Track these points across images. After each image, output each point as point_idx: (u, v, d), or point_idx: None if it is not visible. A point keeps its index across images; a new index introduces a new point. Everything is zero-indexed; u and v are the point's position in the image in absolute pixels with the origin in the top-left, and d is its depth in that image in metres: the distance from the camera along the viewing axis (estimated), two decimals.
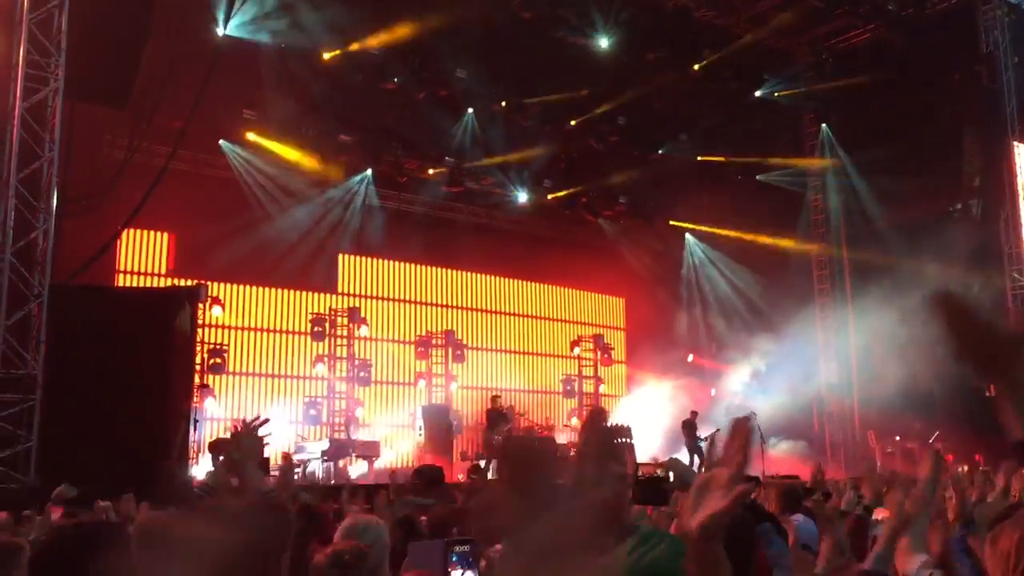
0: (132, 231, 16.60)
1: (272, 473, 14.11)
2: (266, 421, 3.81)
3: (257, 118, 17.48)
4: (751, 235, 22.83)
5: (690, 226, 23.55)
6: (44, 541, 2.54)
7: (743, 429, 1.83)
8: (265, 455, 3.83)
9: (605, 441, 2.45)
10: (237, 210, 17.14)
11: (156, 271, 17.56)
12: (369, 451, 17.11)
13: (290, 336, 19.01)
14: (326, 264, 18.97)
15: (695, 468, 17.25)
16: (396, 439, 19.04)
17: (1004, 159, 20.61)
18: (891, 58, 20.41)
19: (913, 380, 18.32)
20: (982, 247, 19.30)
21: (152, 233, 17.40)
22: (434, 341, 20.58)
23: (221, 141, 17.51)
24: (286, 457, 13.82)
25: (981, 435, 18.19)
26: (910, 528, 3.83)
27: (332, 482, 15.23)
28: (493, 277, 21.17)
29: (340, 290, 19.43)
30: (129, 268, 17.22)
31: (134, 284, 17.17)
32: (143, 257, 17.47)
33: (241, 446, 3.60)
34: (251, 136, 17.64)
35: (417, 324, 20.77)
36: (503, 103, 19.43)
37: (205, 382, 16.57)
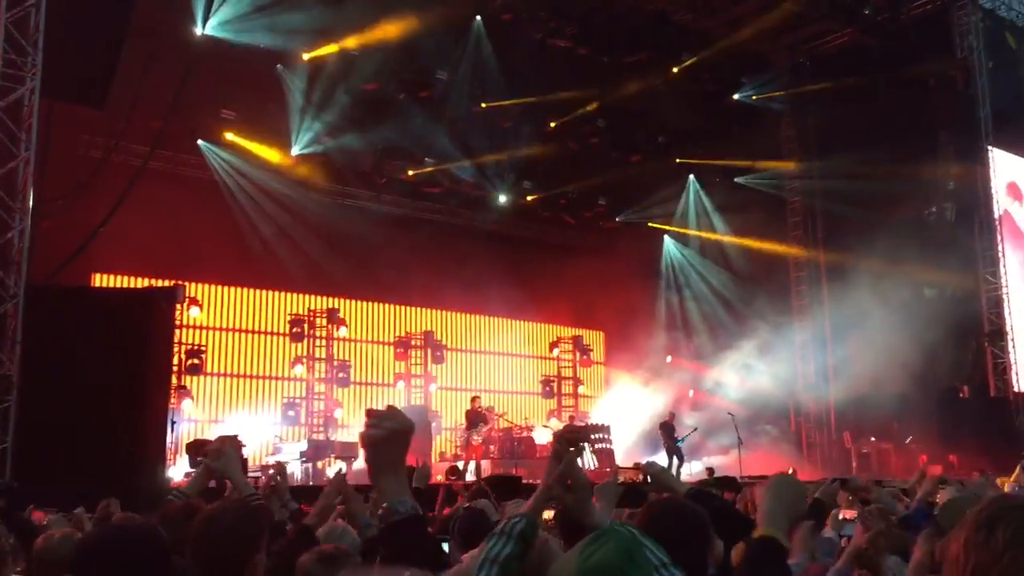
0: (109, 231, 16.47)
1: (252, 474, 14.11)
2: (235, 437, 3.91)
3: (236, 118, 17.43)
4: (729, 237, 22.99)
5: (669, 228, 23.67)
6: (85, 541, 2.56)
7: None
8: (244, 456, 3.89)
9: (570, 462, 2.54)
10: (215, 210, 17.08)
11: (133, 271, 17.44)
12: (348, 452, 17.07)
13: (268, 337, 18.95)
14: (304, 265, 18.92)
15: (674, 469, 17.36)
16: None
17: (978, 163, 20.86)
18: (867, 62, 20.59)
19: (888, 381, 18.52)
20: (956, 250, 19.53)
21: (129, 233, 17.27)
22: (413, 342, 20.58)
23: (199, 141, 17.43)
24: (279, 467, 13.85)
25: (955, 436, 18.43)
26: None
27: (310, 483, 15.21)
28: (472, 278, 21.15)
29: (318, 291, 19.34)
30: (106, 268, 17.09)
31: (111, 284, 17.04)
32: (120, 257, 17.33)
33: (222, 456, 3.65)
34: (229, 136, 17.57)
35: (396, 325, 20.76)
36: (483, 104, 19.44)
37: (183, 383, 16.50)
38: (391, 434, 2.15)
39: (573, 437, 2.61)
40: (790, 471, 19.10)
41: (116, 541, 2.39)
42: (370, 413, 2.18)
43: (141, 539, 2.40)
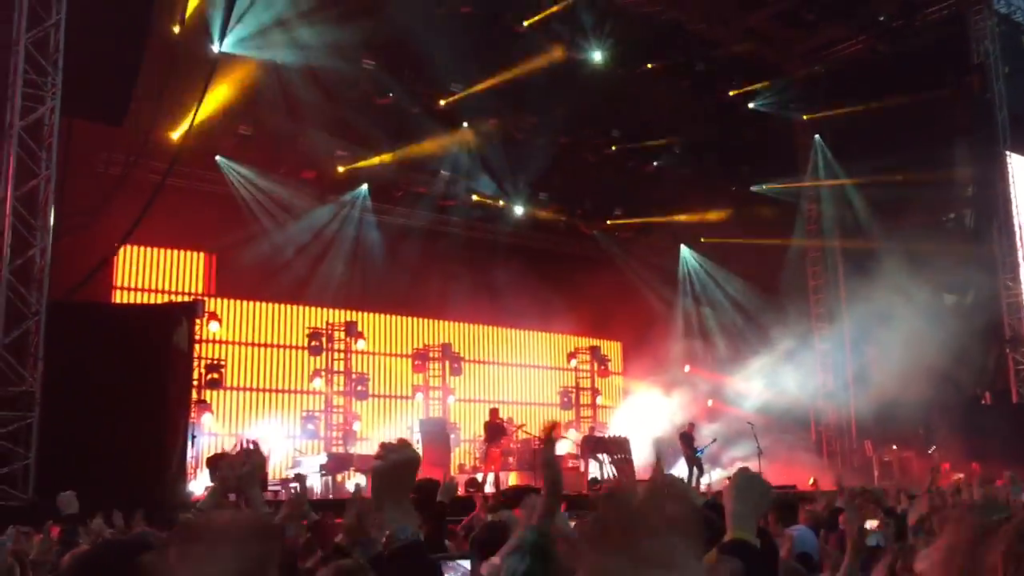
0: (129, 247, 16.62)
1: (272, 487, 14.18)
2: (255, 442, 3.91)
3: (253, 134, 17.56)
4: (746, 246, 22.93)
5: (686, 237, 23.64)
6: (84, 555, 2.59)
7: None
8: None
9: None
10: (234, 226, 17.19)
11: (153, 287, 17.58)
12: (367, 465, 17.07)
13: (287, 351, 19.01)
14: (322, 278, 19.01)
15: (693, 480, 17.29)
16: None
17: (996, 169, 20.73)
18: (883, 69, 20.53)
19: (909, 389, 18.38)
20: (975, 256, 19.40)
21: (149, 249, 17.43)
22: (431, 354, 20.60)
23: (217, 157, 17.58)
24: (299, 477, 14.18)
25: (978, 444, 18.25)
26: None
27: (330, 496, 15.24)
28: (489, 289, 21.19)
29: (336, 304, 19.40)
30: (126, 284, 17.23)
31: (131, 301, 17.17)
32: (140, 274, 17.49)
33: (242, 473, 3.69)
34: (247, 152, 17.70)
35: (414, 337, 20.80)
36: (498, 117, 19.52)
37: (203, 397, 16.59)
38: (394, 465, 2.26)
39: (552, 436, 2.66)
40: (811, 481, 19.01)
41: (104, 559, 2.42)
42: (381, 446, 2.32)
43: (130, 555, 2.43)
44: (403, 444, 2.31)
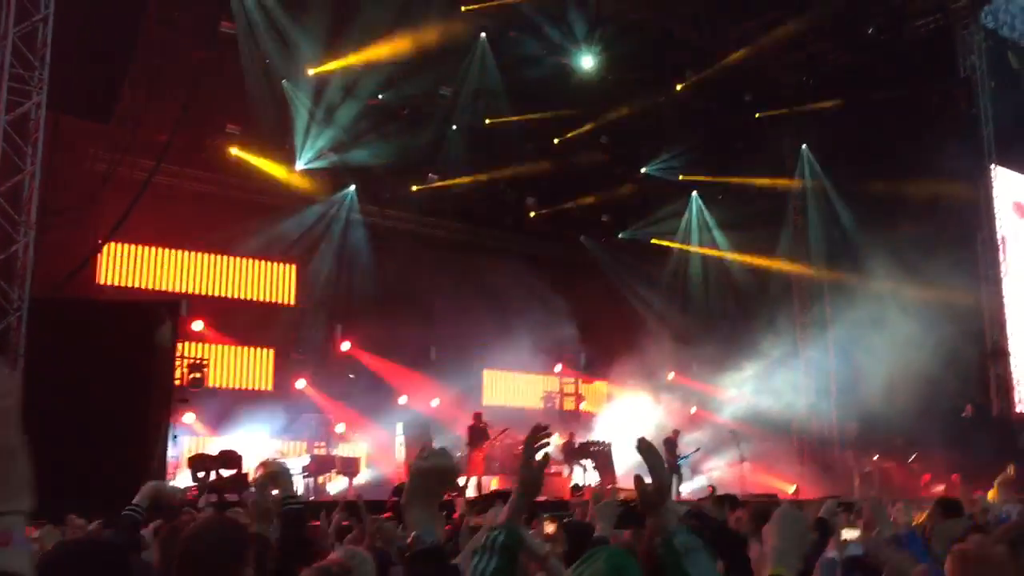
0: (114, 244, 16.54)
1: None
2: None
3: (240, 132, 17.51)
4: (732, 254, 23.02)
5: (672, 244, 23.70)
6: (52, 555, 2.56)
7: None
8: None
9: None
10: (219, 224, 17.13)
11: (137, 285, 17.48)
12: (349, 467, 17.06)
13: (271, 350, 18.93)
14: (308, 278, 18.97)
15: (673, 487, 17.32)
16: (377, 455, 18.96)
17: (981, 181, 20.88)
18: (871, 81, 20.66)
19: (891, 399, 18.47)
20: (958, 268, 19.49)
21: (134, 247, 17.34)
22: (416, 357, 20.54)
23: (204, 154, 17.51)
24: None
25: (957, 455, 18.35)
26: None
27: (311, 498, 15.19)
28: (474, 292, 21.17)
29: (322, 305, 19.32)
30: (110, 281, 17.12)
31: (115, 298, 17.06)
32: (124, 270, 17.39)
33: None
34: (234, 151, 17.65)
35: (400, 340, 20.72)
36: (487, 120, 19.53)
37: (184, 396, 16.49)
38: (434, 469, 2.30)
39: (539, 438, 2.53)
40: (791, 489, 19.08)
41: (70, 558, 2.42)
42: (425, 448, 2.39)
43: (97, 555, 2.43)
44: (446, 452, 2.37)
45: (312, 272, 19.03)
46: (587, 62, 19.84)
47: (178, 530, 2.83)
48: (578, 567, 1.81)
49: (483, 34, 18.67)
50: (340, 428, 18.76)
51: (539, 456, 2.33)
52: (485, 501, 7.71)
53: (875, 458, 20.18)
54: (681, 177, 22.38)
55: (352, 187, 19.43)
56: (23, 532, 1.35)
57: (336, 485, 17.14)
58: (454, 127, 19.54)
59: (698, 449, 18.87)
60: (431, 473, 2.29)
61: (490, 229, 21.33)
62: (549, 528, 5.21)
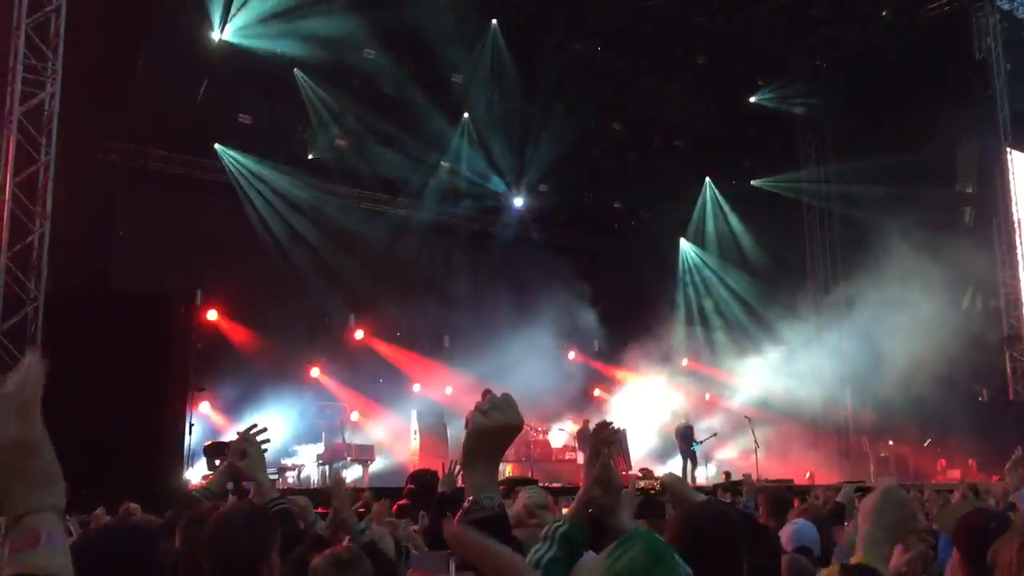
0: (127, 234, 16.57)
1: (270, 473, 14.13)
2: (264, 430, 3.85)
3: (253, 122, 17.52)
4: (746, 240, 22.93)
5: (685, 231, 23.65)
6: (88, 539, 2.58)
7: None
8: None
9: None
10: (232, 213, 17.16)
11: (152, 274, 17.51)
12: (364, 455, 17.11)
13: (285, 339, 18.96)
14: (320, 267, 18.98)
15: (688, 473, 17.33)
16: (392, 443, 19.01)
17: (997, 166, 20.69)
18: (885, 65, 20.49)
19: (907, 385, 18.39)
20: (975, 253, 19.36)
21: (148, 236, 17.37)
22: (430, 344, 20.56)
23: (216, 145, 17.52)
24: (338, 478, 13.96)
25: (974, 440, 18.29)
26: None
27: (327, 485, 15.23)
28: (488, 279, 21.17)
29: (334, 293, 19.35)
30: (125, 271, 17.16)
31: (130, 288, 17.11)
32: (139, 260, 17.42)
33: (247, 455, 3.66)
34: (246, 140, 17.65)
35: (413, 327, 20.73)
36: (500, 108, 19.49)
37: (200, 385, 16.55)
38: (497, 427, 2.01)
39: (609, 437, 2.58)
40: (807, 475, 19.04)
41: (97, 545, 2.44)
42: (485, 395, 2.08)
43: (124, 541, 2.44)
44: (509, 402, 2.04)
45: (324, 260, 19.03)
46: (598, 48, 19.80)
47: (199, 518, 2.84)
48: (613, 552, 1.79)
49: (494, 21, 18.64)
50: (354, 416, 18.81)
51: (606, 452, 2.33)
52: (504, 488, 7.69)
53: (890, 443, 20.12)
54: (694, 163, 22.29)
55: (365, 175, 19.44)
56: (58, 529, 1.28)
57: (351, 473, 17.19)
58: (466, 115, 19.52)
59: (714, 435, 18.85)
60: (495, 431, 2.01)
61: (503, 217, 21.31)
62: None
